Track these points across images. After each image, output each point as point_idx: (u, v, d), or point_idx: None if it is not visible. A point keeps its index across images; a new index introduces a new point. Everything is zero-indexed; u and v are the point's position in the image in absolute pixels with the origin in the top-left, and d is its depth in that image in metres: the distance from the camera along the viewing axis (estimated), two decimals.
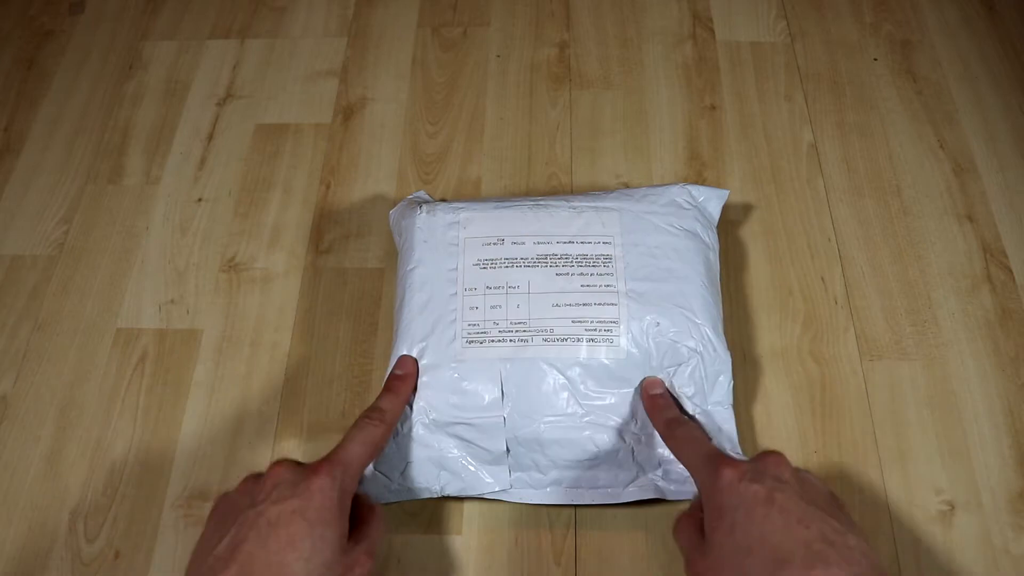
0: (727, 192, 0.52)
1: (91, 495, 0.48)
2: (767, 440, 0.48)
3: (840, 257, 0.55)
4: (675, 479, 0.44)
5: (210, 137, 0.63)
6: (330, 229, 0.57)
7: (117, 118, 0.64)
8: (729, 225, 0.56)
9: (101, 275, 0.56)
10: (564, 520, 0.46)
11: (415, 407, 0.44)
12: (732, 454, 0.44)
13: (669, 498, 0.44)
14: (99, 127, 0.64)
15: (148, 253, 0.57)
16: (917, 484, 0.46)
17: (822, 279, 0.54)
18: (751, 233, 0.56)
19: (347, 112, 0.64)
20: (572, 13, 0.69)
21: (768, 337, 0.52)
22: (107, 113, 0.65)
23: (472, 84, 0.65)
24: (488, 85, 0.65)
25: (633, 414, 0.44)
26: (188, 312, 0.54)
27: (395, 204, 0.58)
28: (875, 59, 0.65)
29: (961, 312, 0.52)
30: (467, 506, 0.46)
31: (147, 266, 0.57)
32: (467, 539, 0.46)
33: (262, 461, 0.48)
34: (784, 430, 0.48)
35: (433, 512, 0.46)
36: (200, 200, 0.60)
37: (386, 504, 0.45)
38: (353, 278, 0.55)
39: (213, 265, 0.56)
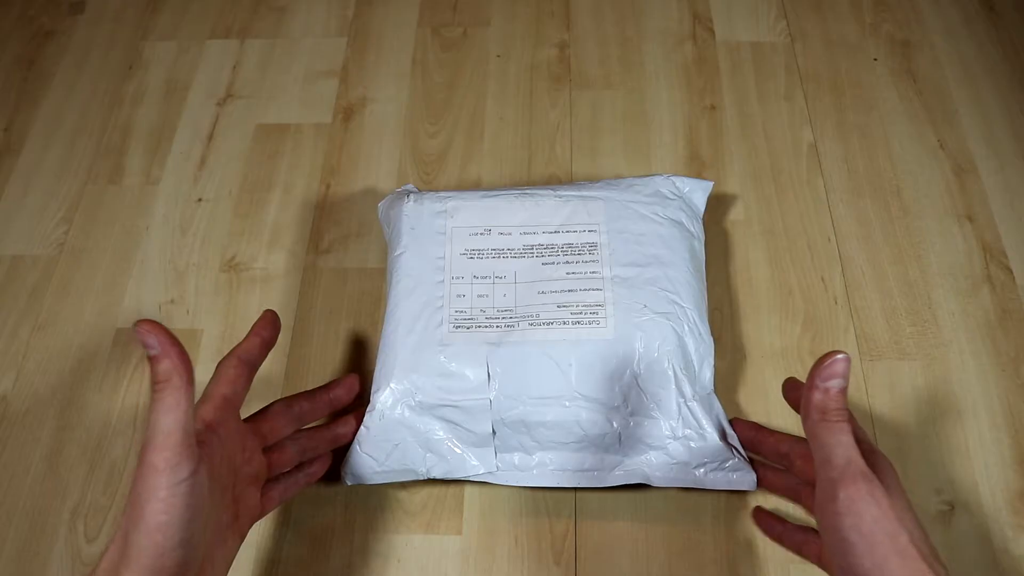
0: (711, 183, 0.52)
1: (91, 495, 0.48)
2: None
3: (840, 257, 0.55)
4: (661, 466, 0.44)
5: (210, 137, 0.63)
6: (330, 229, 0.57)
7: (117, 118, 0.64)
8: (729, 225, 0.56)
9: (101, 275, 0.56)
10: (564, 519, 0.46)
11: (400, 389, 0.44)
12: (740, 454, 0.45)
13: (655, 484, 0.44)
14: (99, 127, 0.64)
15: (148, 253, 0.57)
16: (917, 484, 0.46)
17: (822, 279, 0.54)
18: (751, 233, 0.56)
19: (347, 112, 0.64)
20: (572, 13, 0.69)
21: (768, 337, 0.52)
22: (107, 113, 0.65)
23: (472, 84, 0.65)
24: (488, 85, 0.65)
25: (623, 397, 0.44)
26: (188, 312, 0.54)
27: None
28: (875, 59, 0.65)
29: (961, 312, 0.52)
30: (467, 506, 0.46)
31: (147, 266, 0.57)
32: (467, 539, 0.46)
33: None
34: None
35: (433, 512, 0.46)
36: (200, 200, 0.60)
37: (374, 484, 0.45)
38: (353, 278, 0.55)
39: (213, 265, 0.56)
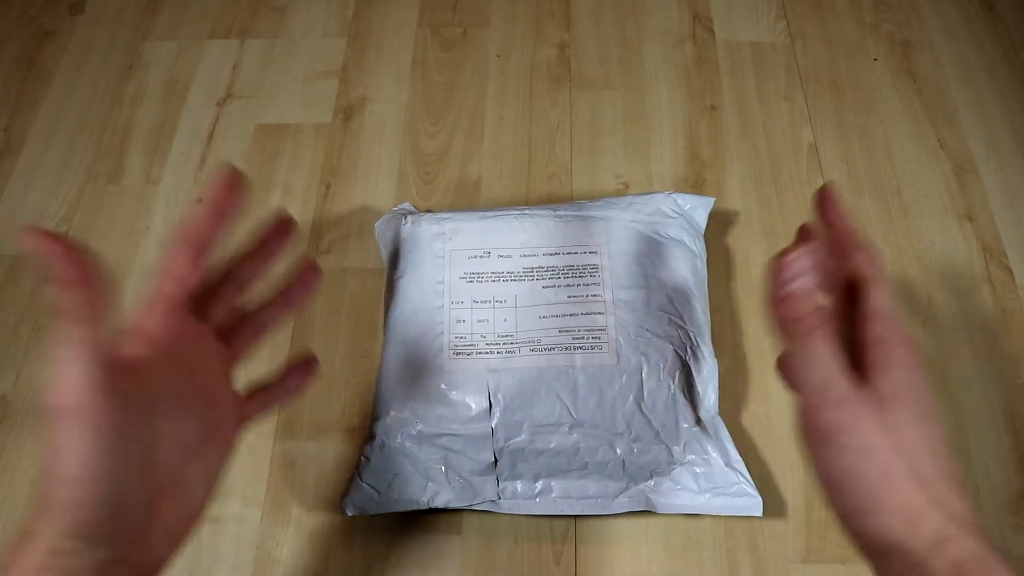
0: (712, 200, 0.52)
1: None
2: (767, 442, 0.48)
3: None
4: (666, 491, 0.44)
5: (210, 137, 0.63)
6: (330, 229, 0.57)
7: (117, 118, 0.64)
8: (728, 226, 0.56)
9: None
10: (564, 518, 0.46)
11: (401, 418, 0.44)
12: (736, 466, 0.44)
13: (660, 511, 0.44)
14: (99, 127, 0.64)
15: (148, 253, 0.57)
16: None
17: None
18: (751, 233, 0.56)
19: (347, 112, 0.64)
20: (572, 13, 0.69)
21: (768, 337, 0.52)
22: (107, 113, 0.65)
23: (472, 84, 0.65)
24: (488, 85, 0.65)
25: (626, 423, 0.43)
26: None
27: (395, 205, 0.58)
28: (875, 59, 0.65)
29: (961, 312, 0.52)
30: None
31: (147, 266, 0.57)
32: (467, 539, 0.46)
33: (262, 461, 0.48)
34: (783, 431, 0.48)
35: (433, 512, 0.46)
36: (200, 200, 0.59)
37: (375, 515, 0.45)
38: (353, 278, 0.55)
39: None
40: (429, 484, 0.44)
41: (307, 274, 0.36)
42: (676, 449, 0.43)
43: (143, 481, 0.27)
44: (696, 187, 0.58)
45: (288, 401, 0.38)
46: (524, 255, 0.48)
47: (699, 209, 0.51)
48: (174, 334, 0.30)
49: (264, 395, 0.35)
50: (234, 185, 0.31)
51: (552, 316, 0.46)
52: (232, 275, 0.34)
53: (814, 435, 0.28)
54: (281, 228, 0.35)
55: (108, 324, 0.26)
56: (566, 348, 0.44)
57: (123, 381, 0.26)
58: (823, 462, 0.28)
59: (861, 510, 0.27)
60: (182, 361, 0.30)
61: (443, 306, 0.46)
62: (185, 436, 0.30)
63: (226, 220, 0.31)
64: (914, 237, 0.55)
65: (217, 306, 0.33)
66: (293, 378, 0.36)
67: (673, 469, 0.43)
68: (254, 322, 0.35)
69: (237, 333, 0.34)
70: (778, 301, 0.29)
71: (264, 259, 0.35)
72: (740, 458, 0.44)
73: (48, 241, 0.24)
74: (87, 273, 0.25)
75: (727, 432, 0.45)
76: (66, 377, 0.25)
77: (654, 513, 0.45)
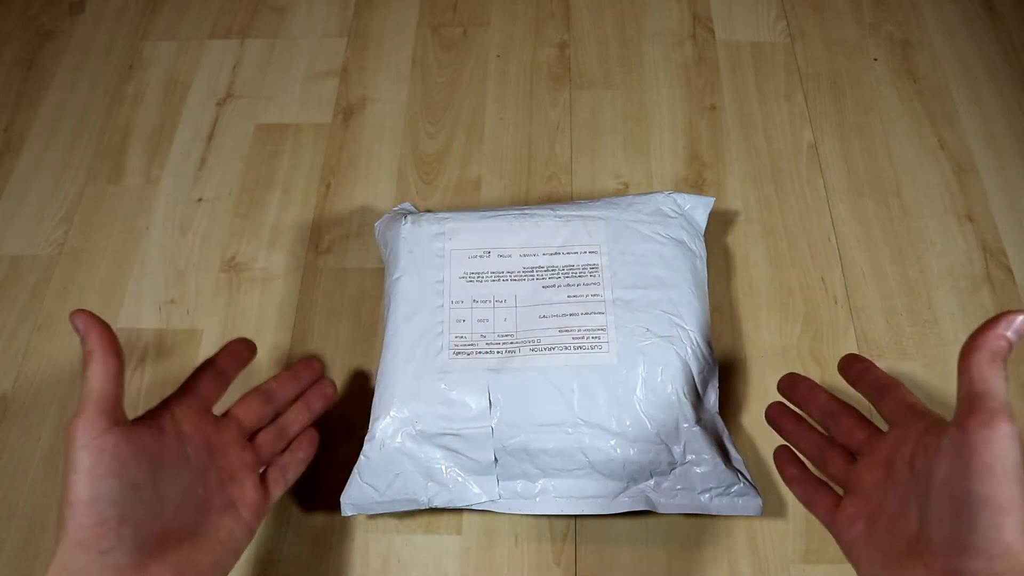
0: (712, 200, 0.52)
1: None
2: (767, 442, 0.48)
3: (840, 257, 0.55)
4: (666, 491, 0.44)
5: (210, 137, 0.63)
6: (330, 229, 0.57)
7: (117, 118, 0.65)
8: (729, 226, 0.56)
9: (101, 275, 0.56)
10: (564, 518, 0.46)
11: (401, 417, 0.44)
12: (740, 469, 0.44)
13: (660, 511, 0.44)
14: (99, 127, 0.64)
15: (148, 253, 0.57)
16: None
17: (822, 279, 0.54)
18: (751, 233, 0.56)
19: (347, 112, 0.64)
20: (572, 13, 0.69)
21: (768, 337, 0.52)
22: (107, 113, 0.65)
23: (472, 84, 0.65)
24: (488, 85, 0.65)
25: (626, 423, 0.43)
26: (188, 312, 0.54)
27: (395, 205, 0.58)
28: (875, 59, 0.65)
29: (961, 312, 0.52)
30: None
31: (147, 266, 0.57)
32: (467, 539, 0.46)
33: None
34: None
35: (433, 512, 0.46)
36: (200, 200, 0.60)
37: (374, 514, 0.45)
38: (353, 278, 0.55)
39: (213, 265, 0.56)
40: (429, 484, 0.44)
41: (324, 387, 0.46)
42: (676, 449, 0.43)
43: (147, 514, 0.33)
44: (696, 187, 0.58)
45: (303, 470, 0.43)
46: (524, 255, 0.48)
47: (699, 209, 0.51)
48: (189, 412, 0.38)
49: (279, 472, 0.42)
50: (248, 346, 0.43)
51: (552, 316, 0.46)
52: (262, 391, 0.43)
53: (983, 432, 0.31)
54: (309, 366, 0.46)
55: (110, 369, 0.33)
56: (566, 348, 0.44)
57: (137, 433, 0.34)
58: (989, 455, 0.31)
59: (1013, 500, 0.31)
60: (199, 435, 0.38)
61: (443, 306, 0.46)
62: (198, 496, 0.37)
63: (239, 361, 0.42)
64: (914, 237, 0.55)
65: (246, 413, 0.41)
66: (302, 451, 0.43)
67: (673, 469, 0.43)
68: (278, 425, 0.43)
69: (265, 435, 0.42)
70: (1002, 336, 0.33)
71: (289, 383, 0.44)
72: (740, 458, 0.44)
73: (77, 312, 0.34)
74: (96, 326, 0.33)
75: (727, 432, 0.45)
76: (79, 403, 0.33)
77: (654, 513, 0.45)
